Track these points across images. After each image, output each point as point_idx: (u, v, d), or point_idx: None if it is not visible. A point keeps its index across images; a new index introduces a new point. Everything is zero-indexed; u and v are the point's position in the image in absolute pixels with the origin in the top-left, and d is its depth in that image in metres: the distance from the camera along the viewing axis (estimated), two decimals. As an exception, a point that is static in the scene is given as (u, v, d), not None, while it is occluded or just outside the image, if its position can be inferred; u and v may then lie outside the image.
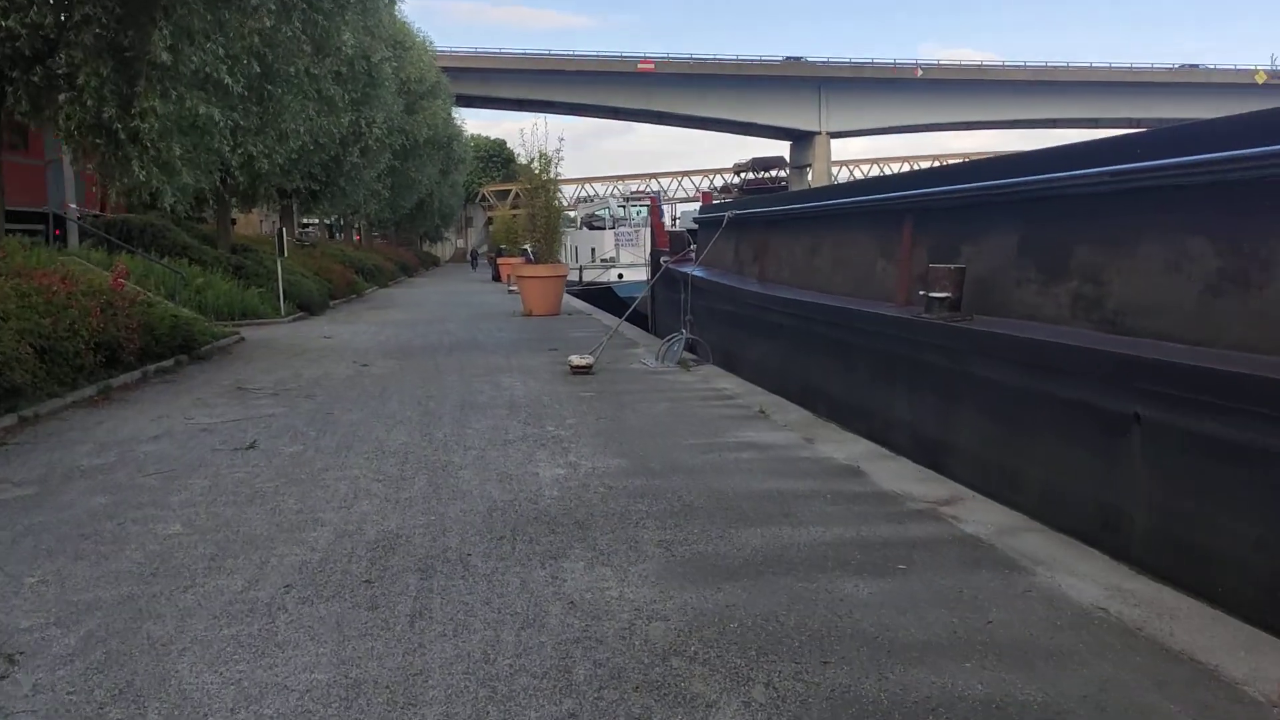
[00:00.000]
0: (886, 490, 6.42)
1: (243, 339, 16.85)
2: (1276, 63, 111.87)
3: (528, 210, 26.11)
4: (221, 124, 13.81)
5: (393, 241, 68.94)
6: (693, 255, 20.37)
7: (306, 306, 22.80)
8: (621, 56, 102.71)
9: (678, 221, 28.90)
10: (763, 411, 9.54)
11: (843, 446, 7.87)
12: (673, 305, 18.26)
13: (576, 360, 12.42)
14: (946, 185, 8.85)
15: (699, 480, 6.79)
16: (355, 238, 59.75)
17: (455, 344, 16.73)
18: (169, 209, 14.77)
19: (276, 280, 21.07)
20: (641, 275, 39.32)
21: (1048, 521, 5.61)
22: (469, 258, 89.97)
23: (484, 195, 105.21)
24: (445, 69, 54.93)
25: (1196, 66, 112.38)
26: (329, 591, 4.76)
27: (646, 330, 24.79)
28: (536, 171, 23.68)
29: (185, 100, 13.06)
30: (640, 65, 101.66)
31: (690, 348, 13.89)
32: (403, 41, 34.64)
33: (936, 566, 4.90)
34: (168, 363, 13.30)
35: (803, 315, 10.94)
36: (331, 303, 26.28)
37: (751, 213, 15.23)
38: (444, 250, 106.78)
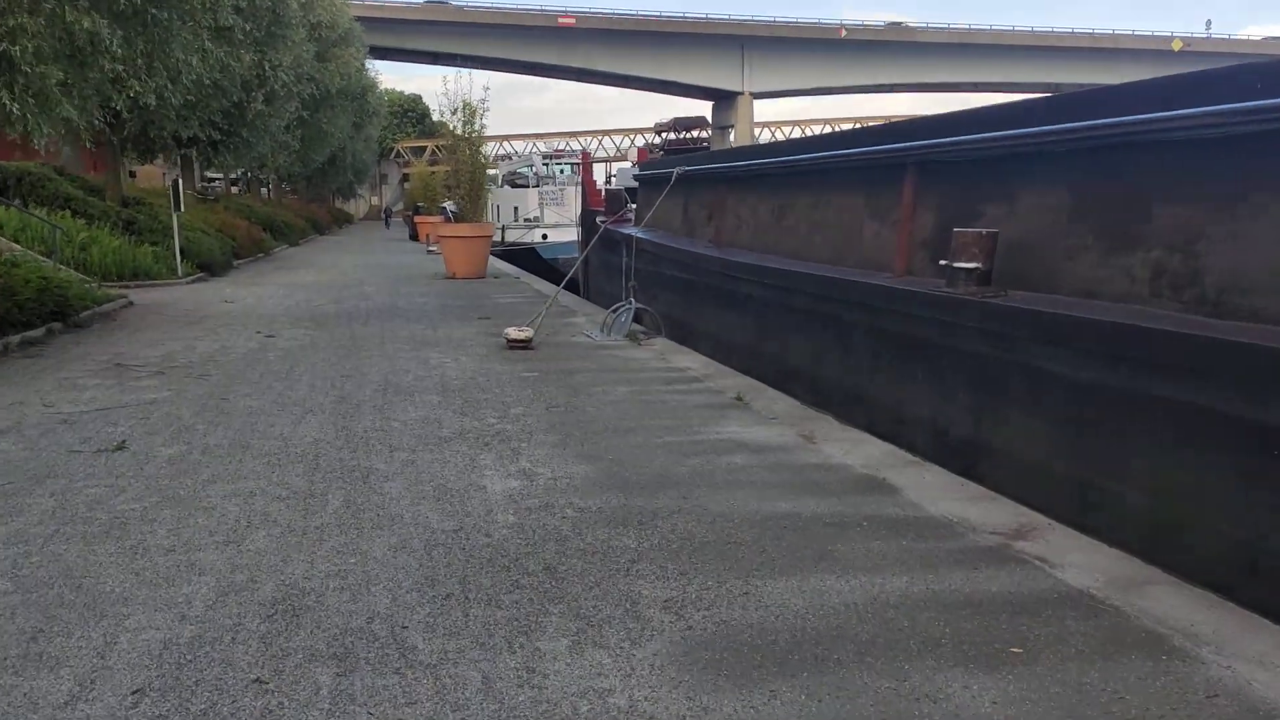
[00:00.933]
0: (934, 515, 5.06)
1: (131, 304, 14.93)
2: (1208, 31, 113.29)
3: (450, 166, 24.31)
4: (109, 41, 11.82)
5: (304, 198, 66.07)
6: (631, 216, 18.88)
7: (207, 266, 20.80)
8: (542, 10, 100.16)
9: (613, 180, 27.29)
10: (740, 399, 8.14)
11: (854, 448, 6.50)
12: (612, 270, 16.77)
13: (514, 333, 10.89)
14: (969, 134, 7.46)
15: (692, 499, 5.36)
16: (265, 193, 56.96)
17: (374, 311, 15.06)
18: (43, 149, 12.75)
19: (173, 237, 19.04)
20: (567, 235, 37.74)
21: (1171, 566, 4.29)
22: (383, 215, 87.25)
23: (399, 151, 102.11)
24: (358, 19, 52.29)
25: (1114, 33, 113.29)
26: (199, 702, 3.24)
27: (580, 296, 23.29)
28: (460, 124, 21.88)
29: (63, 14, 11.10)
30: (561, 20, 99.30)
31: (637, 318, 12.44)
32: (313, -20, 32.31)
33: (1062, 649, 3.53)
34: (36, 332, 11.43)
35: (781, 286, 9.54)
36: (236, 262, 24.24)
37: (706, 168, 13.77)
38: (358, 208, 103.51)
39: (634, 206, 19.45)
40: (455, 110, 21.84)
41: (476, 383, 8.88)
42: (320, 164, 53.19)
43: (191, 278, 19.38)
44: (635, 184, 20.08)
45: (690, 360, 10.26)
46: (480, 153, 22.05)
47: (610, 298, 16.69)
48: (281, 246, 33.99)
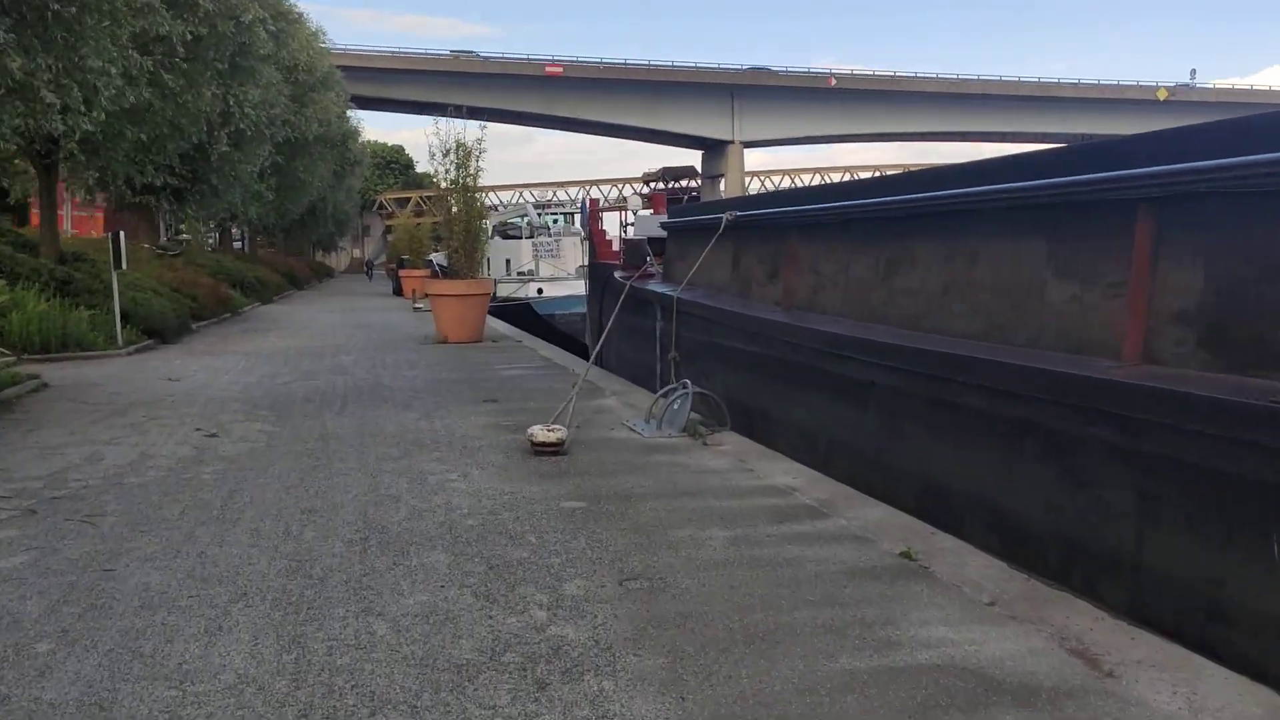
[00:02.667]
0: None
1: (43, 386, 12.00)
2: (1193, 79, 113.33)
3: (442, 215, 21.61)
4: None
5: (282, 251, 63.35)
6: (655, 270, 16.14)
7: (157, 332, 17.90)
8: (528, 59, 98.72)
9: (629, 229, 24.50)
10: (910, 555, 5.31)
11: (1189, 683, 3.68)
12: (639, 336, 13.97)
13: (541, 434, 8.03)
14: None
15: None
16: (237, 246, 54.20)
17: (353, 390, 12.21)
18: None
19: (113, 299, 16.16)
20: (564, 290, 35.03)
21: None
22: (365, 267, 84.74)
23: (382, 203, 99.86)
24: (340, 68, 49.97)
25: (1100, 83, 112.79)
26: None
27: (592, 361, 20.44)
28: (454, 167, 19.17)
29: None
30: (548, 69, 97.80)
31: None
32: (286, 14, 29.63)
33: None
34: (-101, 433, 8.55)
35: (930, 373, 6.72)
36: (195, 325, 21.34)
37: (768, 213, 10.99)
38: (339, 260, 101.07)
39: (652, 259, 16.74)
40: (448, 152, 19.15)
41: (500, 523, 6.01)
42: (298, 215, 50.57)
43: (135, 347, 16.48)
44: (658, 233, 17.37)
45: (784, 471, 7.44)
46: (477, 199, 19.32)
47: (638, 368, 13.87)
48: (252, 304, 31.13)
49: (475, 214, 19.23)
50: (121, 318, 16.60)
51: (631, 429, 9.21)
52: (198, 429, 9.38)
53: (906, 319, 7.65)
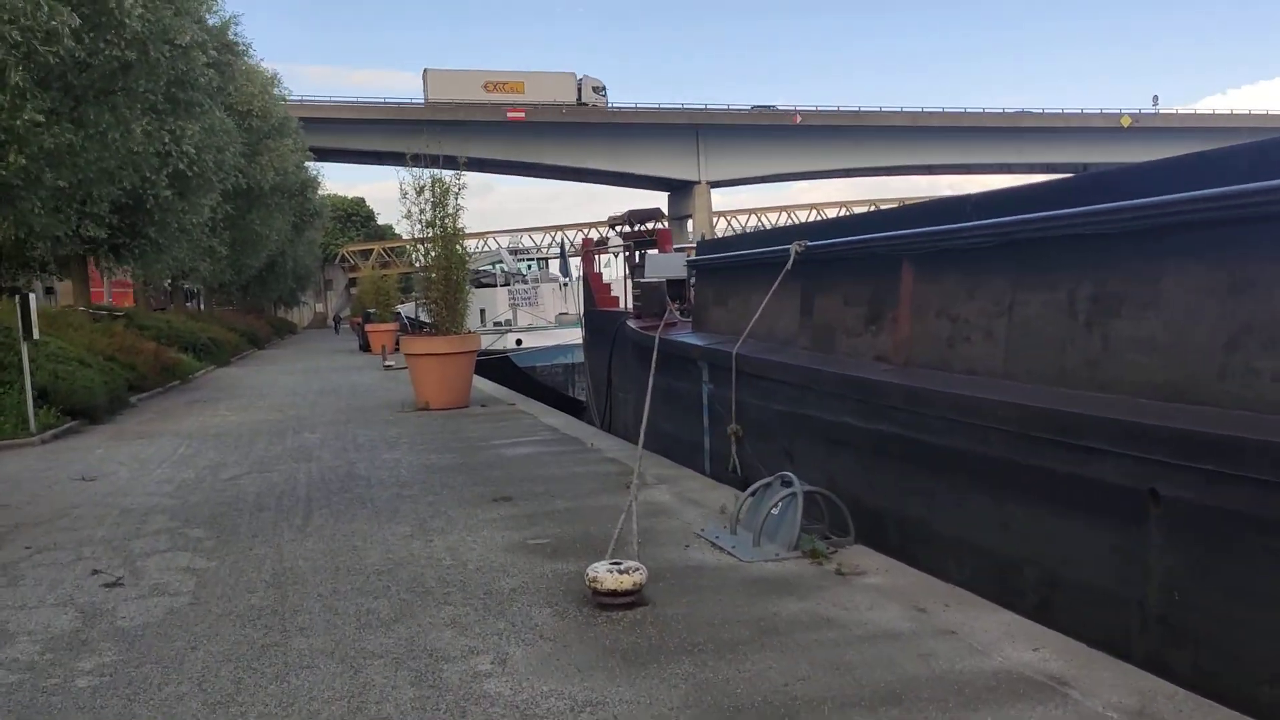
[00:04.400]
0: None
1: (-93, 500, 9.16)
2: (1155, 106, 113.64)
3: (414, 262, 18.97)
4: None
5: (240, 308, 60.31)
6: (677, 318, 13.56)
7: (84, 411, 15.03)
8: (490, 103, 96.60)
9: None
10: None
11: None
12: (677, 402, 11.32)
13: (608, 577, 5.24)
14: None
15: None
16: (193, 305, 51.22)
17: (319, 487, 9.43)
18: None
19: (24, 376, 13.30)
20: (544, 340, 32.45)
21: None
22: (332, 322, 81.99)
23: (344, 255, 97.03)
24: (298, 120, 47.41)
25: (1063, 112, 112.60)
26: None
27: (594, 424, 17.75)
28: (429, 206, 16.51)
29: None
30: (510, 114, 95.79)
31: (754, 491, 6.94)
32: (231, 45, 26.89)
33: None
34: None
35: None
36: (133, 399, 18.45)
37: (864, 241, 8.32)
38: (302, 316, 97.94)
39: (676, 306, 14.13)
40: (421, 189, 16.51)
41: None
42: (256, 270, 47.74)
43: (53, 431, 13.60)
44: (677, 273, 14.78)
45: (1006, 632, 4.75)
46: (458, 242, 16.64)
47: (677, 442, 11.17)
48: (206, 369, 28.19)
49: (457, 260, 16.54)
50: (38, 396, 13.76)
51: (716, 544, 6.52)
52: (95, 571, 6.55)
53: (1147, 385, 5.06)
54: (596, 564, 5.39)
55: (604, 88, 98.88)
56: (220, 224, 31.60)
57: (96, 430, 14.74)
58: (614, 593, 5.20)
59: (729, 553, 6.33)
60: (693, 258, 12.81)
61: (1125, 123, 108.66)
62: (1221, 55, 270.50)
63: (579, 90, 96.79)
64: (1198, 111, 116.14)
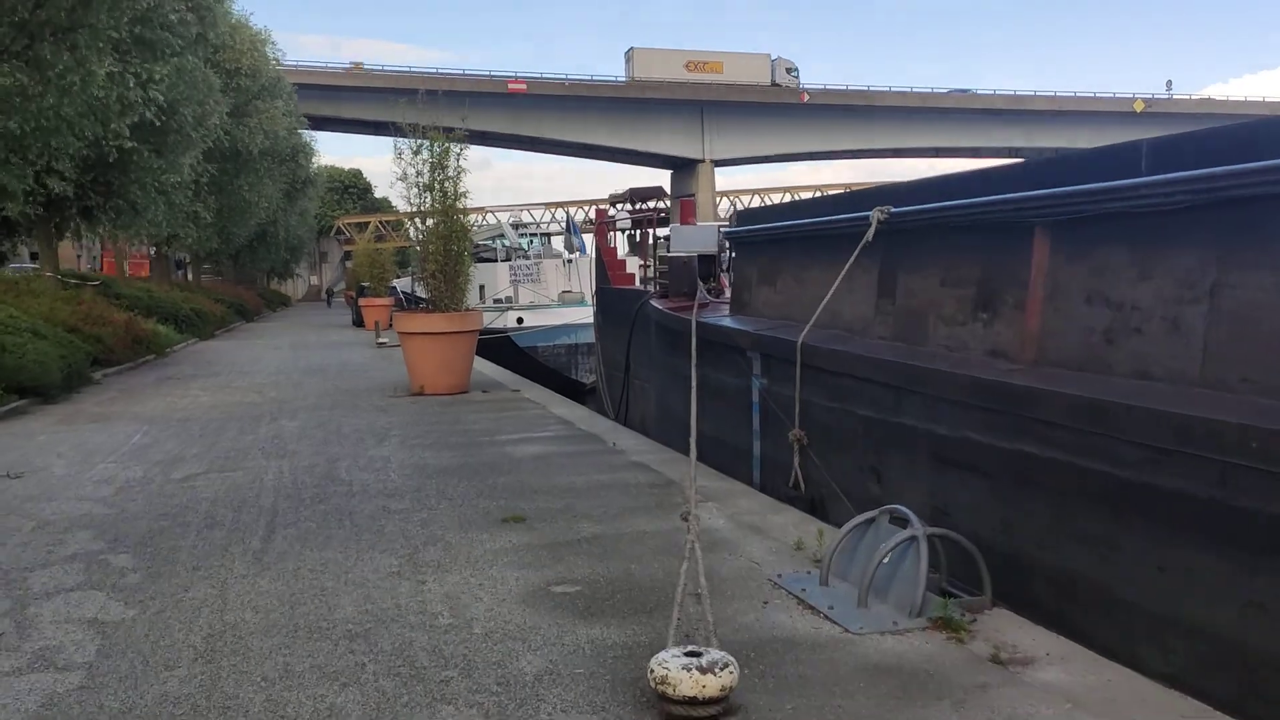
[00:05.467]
0: None
1: None
2: (1169, 91, 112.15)
3: (411, 233, 17.32)
4: None
5: (231, 279, 58.45)
6: (707, 298, 11.89)
7: (36, 388, 13.34)
8: (490, 76, 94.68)
9: (662, 245, 20.07)
10: None
11: None
12: (718, 398, 9.64)
13: (685, 680, 3.55)
14: None
15: None
16: (180, 274, 49.46)
17: (290, 495, 7.75)
18: None
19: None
20: (547, 319, 30.71)
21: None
22: (324, 295, 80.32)
23: (340, 228, 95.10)
24: (293, 85, 45.46)
25: (1076, 95, 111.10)
26: None
27: (607, 413, 16.06)
28: (428, 169, 14.79)
29: None
30: (511, 86, 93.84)
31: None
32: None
33: None
34: None
35: None
36: (99, 375, 16.76)
37: (978, 206, 6.56)
38: (296, 288, 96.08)
39: (709, 286, 12.45)
40: (419, 149, 14.79)
41: None
42: (245, 239, 45.89)
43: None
44: (708, 248, 13.09)
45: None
46: (459, 209, 14.90)
47: (719, 446, 9.51)
48: (187, 341, 26.47)
49: (458, 229, 14.80)
50: (-22, 373, 12.07)
51: (804, 601, 4.86)
52: (-29, 624, 4.90)
53: None
54: (663, 654, 3.70)
55: (796, 69, 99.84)
56: (205, 188, 29.80)
57: (47, 411, 13.03)
58: (693, 701, 3.53)
59: (826, 615, 4.67)
60: (730, 229, 11.08)
61: (1139, 107, 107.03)
62: (1229, 46, 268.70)
63: (772, 71, 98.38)
64: (1212, 98, 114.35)
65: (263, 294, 60.56)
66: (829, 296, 7.55)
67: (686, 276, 12.21)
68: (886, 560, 4.66)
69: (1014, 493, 5.26)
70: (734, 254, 11.24)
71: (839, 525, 6.68)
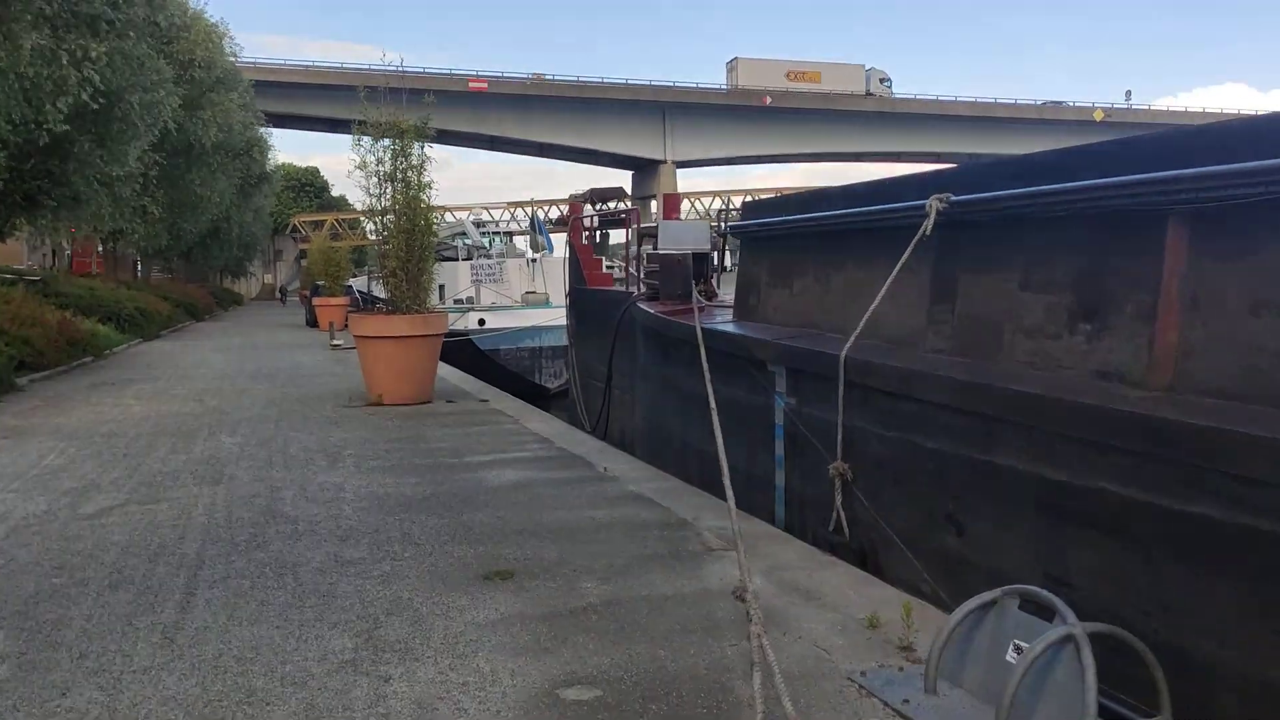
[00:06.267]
0: None
1: None
2: (1128, 101, 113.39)
3: (371, 227, 15.95)
4: None
5: (182, 277, 56.41)
6: (702, 301, 10.62)
7: (-59, 399, 11.81)
8: (451, 74, 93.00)
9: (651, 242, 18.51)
10: None
11: None
12: (731, 418, 8.31)
13: None
14: None
15: None
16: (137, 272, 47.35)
17: (219, 540, 6.34)
18: None
19: None
20: (509, 321, 29.34)
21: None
22: (278, 294, 78.39)
23: (296, 226, 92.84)
24: (252, 83, 43.80)
25: (1037, 104, 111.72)
26: None
27: (583, 425, 14.71)
28: (388, 156, 13.44)
29: None
30: (472, 84, 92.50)
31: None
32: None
33: None
34: None
35: None
36: (25, 380, 15.18)
37: (1076, 192, 5.28)
38: (249, 287, 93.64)
39: (701, 285, 11.16)
40: (380, 133, 13.45)
41: None
42: (199, 236, 44.06)
43: (-117, 429, 10.37)
44: (701, 246, 11.81)
45: None
46: (423, 201, 13.52)
47: (719, 469, 8.21)
48: (130, 342, 24.79)
49: (422, 223, 13.42)
50: None
51: None
52: None
53: None
54: None
55: (889, 80, 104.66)
56: (154, 181, 28.09)
57: (-49, 425, 11.51)
58: None
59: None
60: (736, 222, 9.78)
61: (1098, 116, 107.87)
62: (1192, 57, 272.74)
63: (866, 81, 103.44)
64: (1170, 109, 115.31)
65: (215, 292, 58.42)
66: (877, 301, 6.27)
67: (680, 277, 10.92)
68: (1040, 666, 3.39)
69: (1182, 568, 3.99)
70: (740, 251, 9.95)
71: (903, 583, 5.41)
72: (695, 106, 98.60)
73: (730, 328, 8.55)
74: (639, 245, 13.99)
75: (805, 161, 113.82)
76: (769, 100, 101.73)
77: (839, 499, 6.16)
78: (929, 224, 6.08)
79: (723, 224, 13.90)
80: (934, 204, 6.14)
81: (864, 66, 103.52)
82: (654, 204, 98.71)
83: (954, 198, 6.12)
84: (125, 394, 14.59)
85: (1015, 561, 4.72)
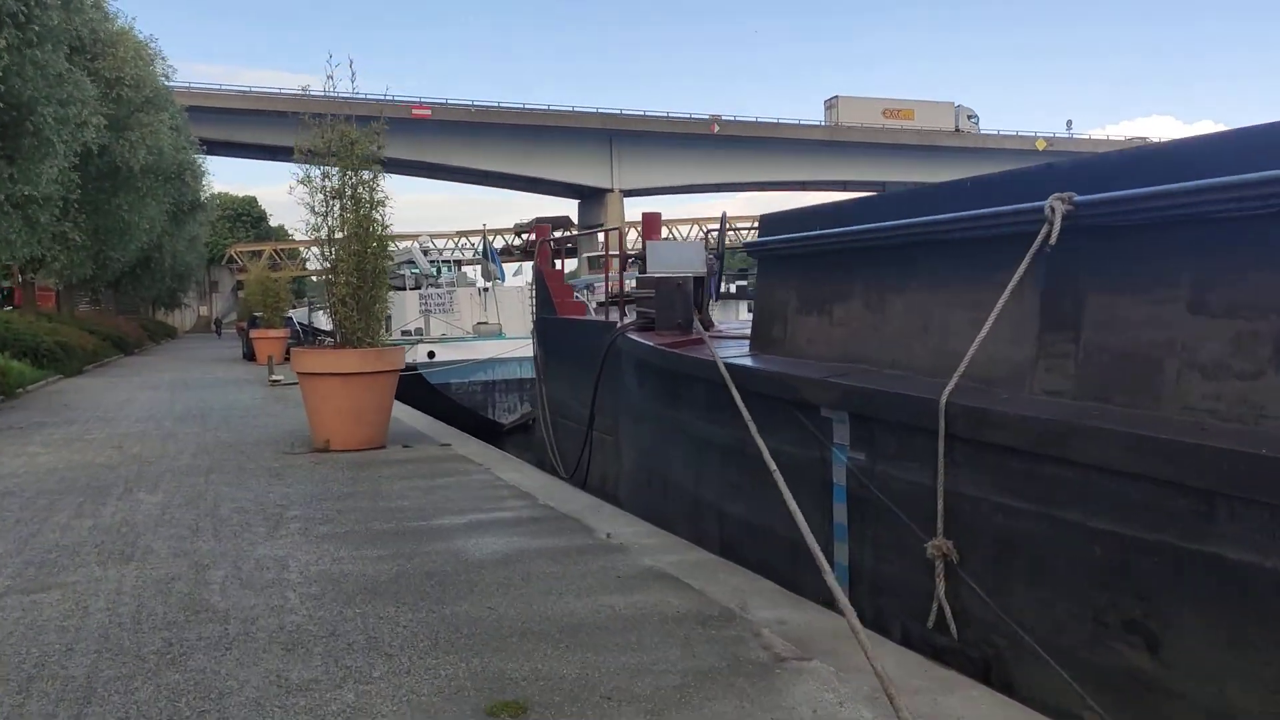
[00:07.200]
0: None
1: None
2: (1069, 130, 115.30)
3: (319, 253, 14.33)
4: None
5: (111, 308, 53.97)
6: (702, 331, 9.19)
7: None
8: (393, 100, 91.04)
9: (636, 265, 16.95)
10: None
11: None
12: (754, 470, 6.87)
13: None
14: None
15: None
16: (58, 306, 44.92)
17: (121, 653, 4.75)
18: None
19: None
20: (460, 353, 27.77)
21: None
22: (214, 326, 75.91)
23: (233, 256, 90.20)
24: (186, 109, 41.96)
25: (981, 132, 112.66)
26: None
27: (555, 469, 13.20)
28: (336, 174, 11.91)
29: None
30: (415, 111, 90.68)
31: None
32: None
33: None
34: None
35: None
36: (-86, 425, 13.34)
37: None
38: (184, 319, 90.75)
39: (706, 309, 9.73)
40: (326, 146, 11.94)
41: None
42: (128, 265, 41.90)
43: None
44: (698, 269, 10.39)
45: None
46: (377, 223, 11.98)
47: (746, 532, 6.77)
48: (48, 379, 22.83)
49: (374, 242, 11.88)
50: None
51: None
52: None
53: None
54: None
55: (977, 116, 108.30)
56: (75, 205, 26.16)
57: None
58: None
59: None
60: (755, 240, 8.35)
61: (1040, 145, 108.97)
62: (1130, 89, 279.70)
63: (956, 117, 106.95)
64: (1109, 138, 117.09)
65: (146, 325, 55.93)
66: (985, 332, 4.87)
67: (680, 304, 9.49)
68: None
69: None
70: (757, 273, 8.54)
71: (1052, 709, 3.98)
72: (642, 134, 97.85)
73: (761, 364, 7.11)
74: (621, 269, 12.55)
75: (754, 190, 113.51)
76: (716, 129, 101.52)
77: (941, 587, 4.72)
78: (1053, 230, 4.71)
79: (719, 244, 12.52)
80: (1057, 205, 4.77)
81: (954, 104, 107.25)
82: (601, 235, 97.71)
83: (1078, 198, 4.77)
84: (33, 440, 12.82)
85: (1254, 698, 3.32)
